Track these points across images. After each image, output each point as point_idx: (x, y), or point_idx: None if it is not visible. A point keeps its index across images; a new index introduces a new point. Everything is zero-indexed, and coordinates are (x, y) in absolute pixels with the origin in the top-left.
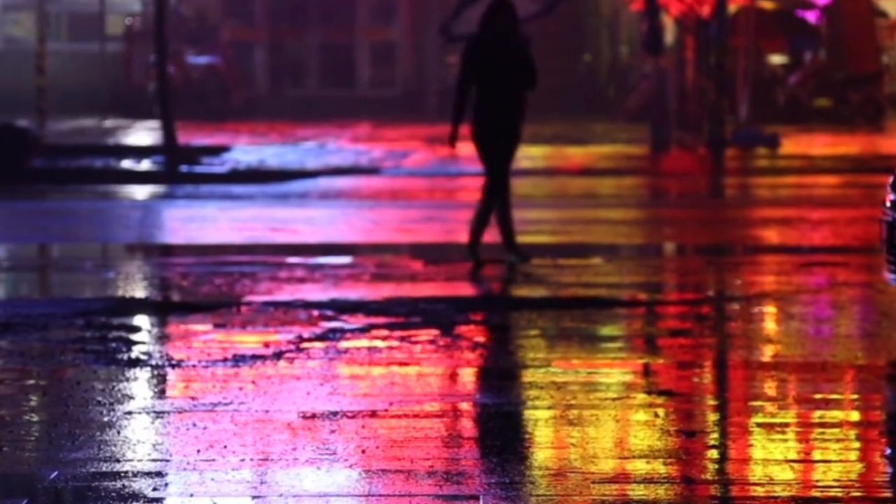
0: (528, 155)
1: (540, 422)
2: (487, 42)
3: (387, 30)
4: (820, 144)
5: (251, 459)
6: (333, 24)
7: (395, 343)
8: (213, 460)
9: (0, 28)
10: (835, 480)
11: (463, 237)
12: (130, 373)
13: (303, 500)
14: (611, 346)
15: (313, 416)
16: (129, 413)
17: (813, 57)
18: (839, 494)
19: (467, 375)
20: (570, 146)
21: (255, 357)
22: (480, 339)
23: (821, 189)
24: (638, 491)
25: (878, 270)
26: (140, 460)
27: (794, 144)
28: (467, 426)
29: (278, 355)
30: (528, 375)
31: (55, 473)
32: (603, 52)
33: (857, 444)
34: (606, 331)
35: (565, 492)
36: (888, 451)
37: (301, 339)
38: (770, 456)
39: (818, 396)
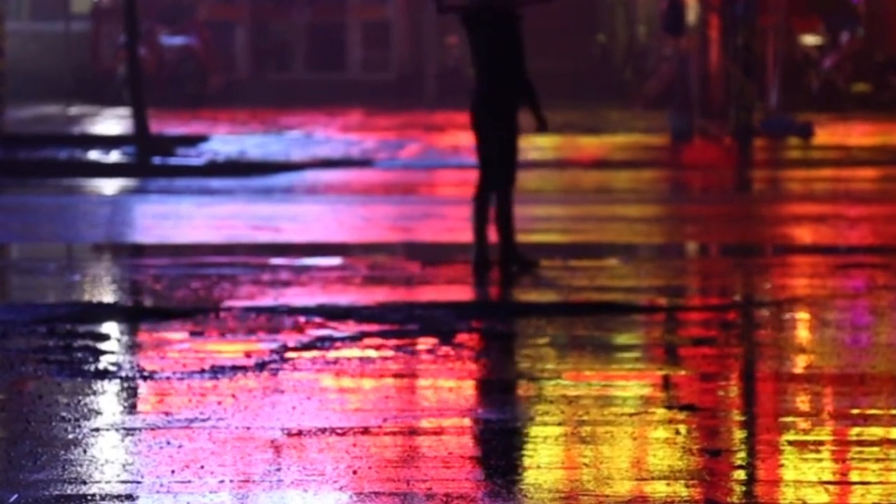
0: (537, 145)
1: (549, 439)
2: (478, 16)
3: (380, 8)
4: (857, 134)
5: (231, 481)
6: (322, 1)
7: (389, 353)
8: (189, 482)
9: None
10: None
11: (463, 235)
12: (98, 385)
13: None
14: (627, 357)
15: (299, 433)
16: (97, 430)
17: (850, 38)
18: None
19: (469, 388)
20: (582, 135)
21: (235, 368)
22: (483, 348)
23: (858, 183)
24: None
25: None
26: (109, 482)
27: (830, 134)
28: (469, 444)
29: (261, 366)
30: (537, 388)
31: (15, 497)
32: (619, 32)
33: None
34: (622, 339)
35: None
36: None
37: (286, 348)
38: (803, 477)
39: (855, 411)
